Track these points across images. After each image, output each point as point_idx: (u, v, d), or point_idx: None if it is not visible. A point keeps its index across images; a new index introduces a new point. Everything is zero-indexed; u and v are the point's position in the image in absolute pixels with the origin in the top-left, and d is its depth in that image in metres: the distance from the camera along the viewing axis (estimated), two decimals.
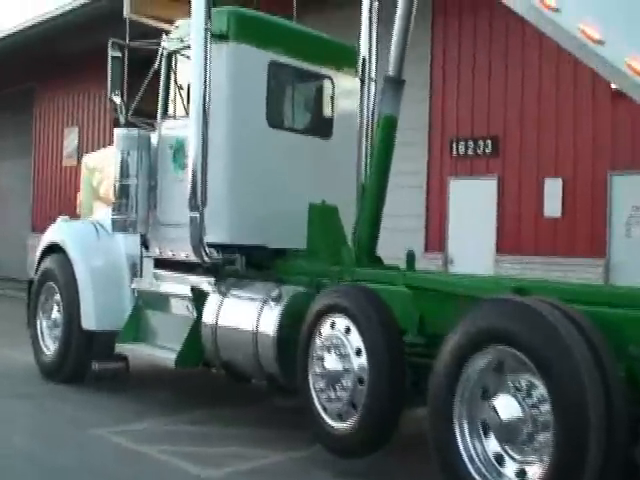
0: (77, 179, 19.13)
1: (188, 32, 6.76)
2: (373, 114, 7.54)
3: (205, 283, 6.62)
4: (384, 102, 6.44)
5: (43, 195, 20.24)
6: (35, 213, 20.44)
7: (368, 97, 7.54)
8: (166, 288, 6.91)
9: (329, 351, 5.22)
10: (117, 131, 7.14)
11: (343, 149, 7.41)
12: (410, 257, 6.27)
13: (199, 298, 6.53)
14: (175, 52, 7.05)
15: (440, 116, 12.30)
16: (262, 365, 5.83)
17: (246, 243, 6.64)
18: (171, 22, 15.92)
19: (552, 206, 10.94)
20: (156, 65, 7.29)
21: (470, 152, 11.88)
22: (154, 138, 7.19)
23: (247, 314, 5.98)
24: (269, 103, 6.77)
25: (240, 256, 6.64)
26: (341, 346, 5.16)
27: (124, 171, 7.09)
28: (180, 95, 6.99)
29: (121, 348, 7.17)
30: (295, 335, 5.61)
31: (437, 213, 12.25)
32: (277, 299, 5.83)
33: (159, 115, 7.25)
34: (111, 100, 7.03)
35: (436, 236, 12.22)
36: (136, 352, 7.06)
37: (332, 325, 5.28)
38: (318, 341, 5.33)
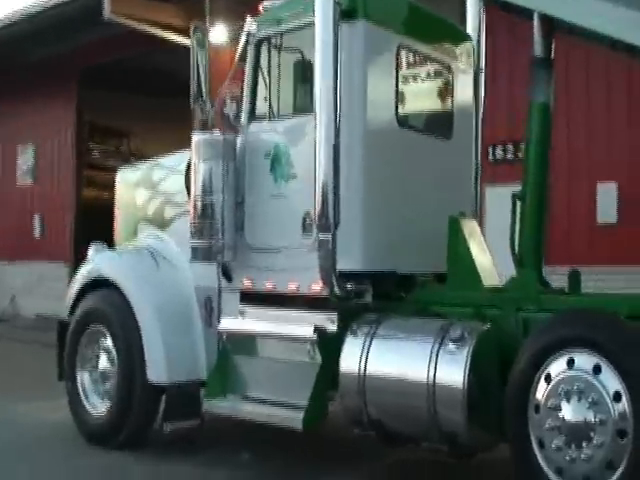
0: (33, 199, 17.40)
1: (288, 13, 5.54)
2: (484, 111, 6.49)
3: (326, 321, 5.33)
4: (535, 88, 5.28)
5: None
6: None
7: (481, 91, 6.46)
8: (272, 329, 5.54)
9: (568, 398, 4.13)
10: (197, 136, 5.76)
11: (462, 152, 6.26)
12: (574, 278, 5.22)
13: (324, 340, 5.24)
14: (267, 38, 5.75)
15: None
16: (440, 424, 4.58)
17: (378, 269, 5.38)
18: (152, 23, 14.52)
19: (606, 212, 10.13)
20: (237, 55, 6.00)
21: (510, 156, 10.96)
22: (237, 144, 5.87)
23: (415, 360, 4.72)
24: (398, 97, 5.56)
25: (370, 286, 5.40)
26: (589, 390, 4.08)
27: (207, 186, 5.72)
28: (277, 91, 5.71)
29: (211, 405, 5.72)
30: (487, 385, 4.47)
31: None
32: (459, 340, 4.61)
33: (244, 116, 5.92)
34: (197, 96, 5.63)
35: None
36: (234, 411, 5.61)
37: (569, 363, 4.18)
38: (543, 387, 4.20)
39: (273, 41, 5.73)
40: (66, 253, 16.08)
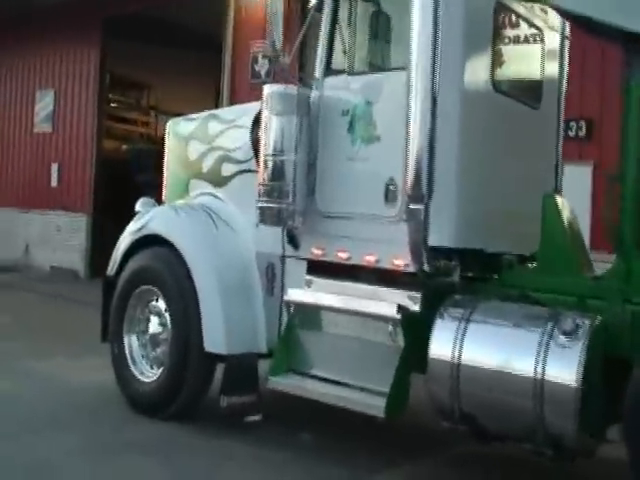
0: (51, 147, 16.88)
1: None
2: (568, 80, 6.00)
3: (407, 299, 4.93)
4: (635, 66, 4.82)
5: (7, 165, 17.66)
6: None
7: (565, 60, 5.96)
8: (347, 304, 5.11)
9: None
10: (269, 88, 5.29)
11: (548, 123, 5.80)
12: None
13: (408, 321, 4.85)
14: None
15: None
16: (547, 425, 4.16)
17: (469, 246, 4.95)
18: None
19: None
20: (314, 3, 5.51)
21: (582, 134, 10.39)
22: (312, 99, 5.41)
23: (521, 352, 4.29)
24: (494, 59, 5.09)
25: (458, 264, 4.98)
26: None
27: (278, 143, 5.27)
28: (359, 43, 5.23)
29: (276, 382, 5.33)
30: (596, 384, 4.10)
31: None
32: (572, 333, 4.19)
33: (319, 69, 5.44)
34: (272, 46, 5.14)
35: None
36: (304, 390, 5.20)
37: None
38: None
39: None
40: (85, 204, 15.64)
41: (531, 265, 5.25)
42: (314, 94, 5.37)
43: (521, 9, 5.37)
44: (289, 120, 5.23)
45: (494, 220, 5.11)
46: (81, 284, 14.76)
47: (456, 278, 4.97)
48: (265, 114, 5.28)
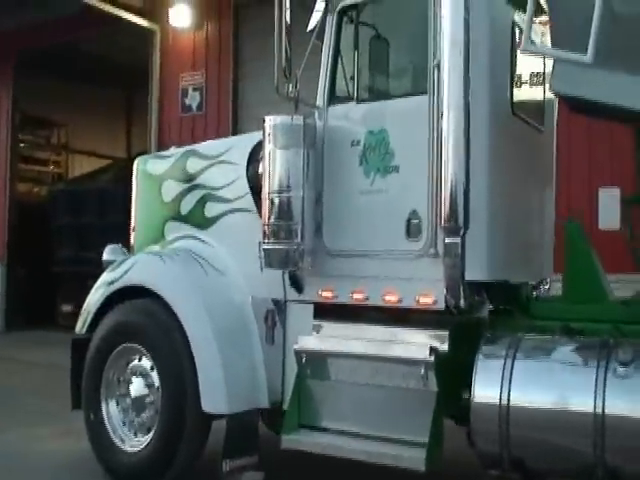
0: None
1: None
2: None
3: (434, 339, 4.54)
4: None
5: None
6: None
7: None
8: (369, 349, 4.66)
9: None
10: (273, 120, 4.82)
11: (550, 146, 5.60)
12: None
13: (441, 363, 4.45)
14: (354, 5, 4.89)
15: None
16: (607, 460, 3.85)
17: (498, 278, 4.63)
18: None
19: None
20: (312, 27, 5.11)
21: None
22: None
23: (577, 388, 3.98)
24: (512, 81, 4.83)
25: (486, 298, 4.66)
26: None
27: (284, 179, 4.80)
28: (370, 68, 4.88)
29: (293, 442, 4.78)
30: None
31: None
32: (630, 362, 3.92)
33: (322, 98, 5.03)
34: (281, 75, 4.66)
35: None
36: (325, 447, 4.66)
37: None
38: None
39: (362, 9, 4.88)
40: None
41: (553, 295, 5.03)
42: (318, 124, 4.96)
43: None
44: (295, 153, 4.78)
45: (514, 249, 4.86)
46: None
47: (485, 313, 4.66)
48: (268, 148, 4.81)
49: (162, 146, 12.36)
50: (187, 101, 13.01)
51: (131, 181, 6.31)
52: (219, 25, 12.45)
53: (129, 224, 6.31)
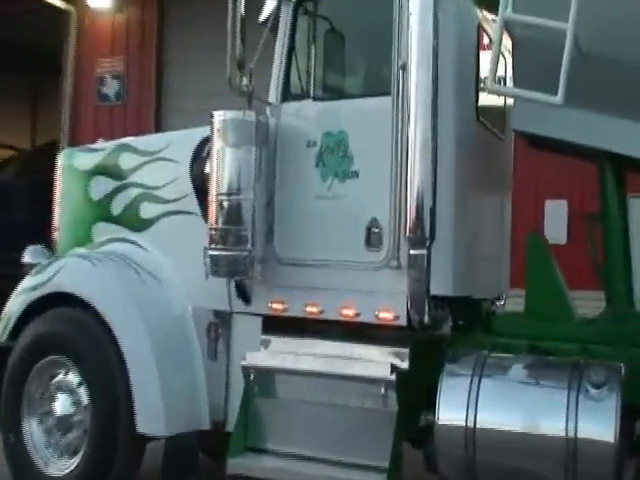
0: None
1: None
2: None
3: (394, 357, 4.27)
4: None
5: None
6: None
7: None
8: (324, 366, 4.35)
9: None
10: (221, 114, 4.42)
11: (509, 154, 5.43)
12: None
13: (402, 383, 4.18)
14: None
15: None
16: None
17: (461, 294, 4.40)
18: None
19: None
20: (264, 18, 4.74)
21: None
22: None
23: (549, 410, 3.80)
24: (477, 84, 4.59)
25: (449, 314, 4.44)
26: None
27: (235, 180, 4.42)
28: (329, 64, 4.56)
29: (238, 467, 4.40)
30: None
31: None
32: (603, 384, 3.76)
33: (275, 94, 4.67)
34: (235, 68, 4.26)
35: None
36: (276, 472, 4.32)
37: None
38: None
39: (314, 5, 4.54)
40: None
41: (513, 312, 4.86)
42: (270, 122, 4.60)
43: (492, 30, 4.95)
44: (247, 152, 4.41)
45: (476, 263, 4.66)
46: None
47: (447, 329, 4.45)
48: (217, 145, 4.41)
49: (76, 138, 11.68)
50: (104, 89, 12.30)
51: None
52: (142, 8, 11.76)
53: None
